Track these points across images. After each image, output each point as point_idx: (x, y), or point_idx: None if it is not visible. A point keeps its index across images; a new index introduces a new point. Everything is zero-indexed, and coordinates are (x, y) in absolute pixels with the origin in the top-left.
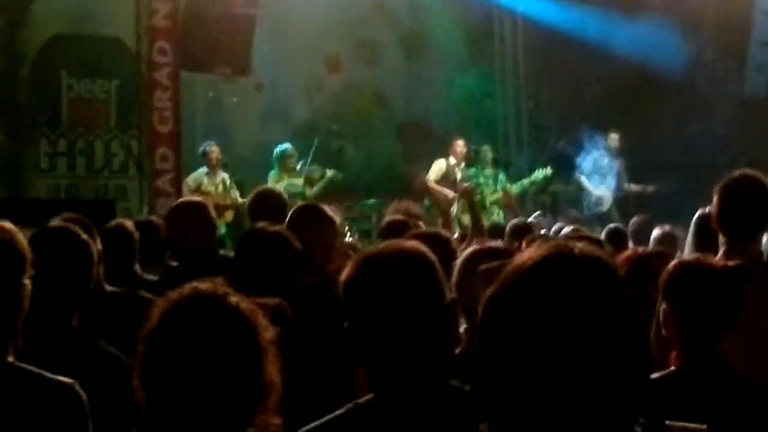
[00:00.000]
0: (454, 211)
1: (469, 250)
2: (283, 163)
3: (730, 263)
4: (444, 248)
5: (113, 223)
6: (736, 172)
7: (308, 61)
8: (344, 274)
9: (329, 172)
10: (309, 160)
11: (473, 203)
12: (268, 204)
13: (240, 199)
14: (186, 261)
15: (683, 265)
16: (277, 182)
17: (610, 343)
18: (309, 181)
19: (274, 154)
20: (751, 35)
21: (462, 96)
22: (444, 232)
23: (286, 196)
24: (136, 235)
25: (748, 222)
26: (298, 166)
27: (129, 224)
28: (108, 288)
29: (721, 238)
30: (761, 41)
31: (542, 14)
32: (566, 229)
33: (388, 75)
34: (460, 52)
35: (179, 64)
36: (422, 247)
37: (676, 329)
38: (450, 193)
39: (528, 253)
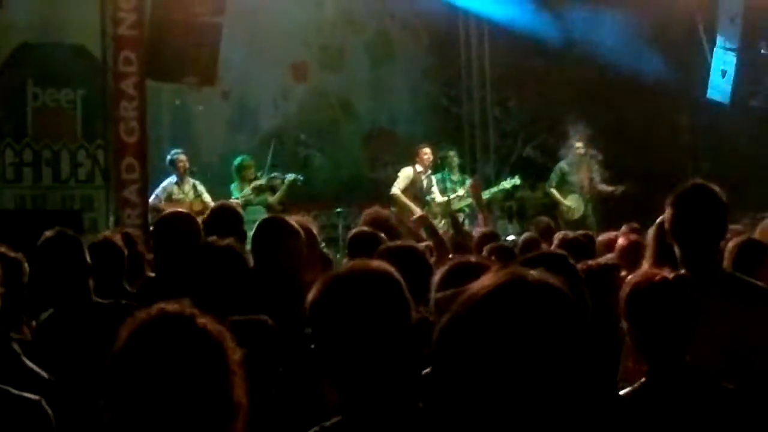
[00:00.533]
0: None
1: (446, 266)
2: (242, 174)
3: (683, 274)
4: (419, 263)
5: (101, 236)
6: (688, 183)
7: (275, 70)
8: (310, 296)
9: (289, 176)
10: (267, 167)
11: (433, 228)
12: (224, 219)
13: (212, 203)
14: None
15: (635, 286)
16: (240, 192)
17: (563, 368)
18: (272, 189)
19: (233, 166)
20: (716, 41)
21: (428, 103)
22: (419, 246)
23: (241, 210)
24: (125, 249)
25: (703, 234)
26: (259, 175)
27: (117, 238)
28: (95, 299)
29: (677, 251)
30: (726, 47)
31: (507, 20)
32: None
33: (354, 82)
34: (425, 58)
35: (145, 73)
36: (388, 268)
37: (641, 345)
38: (417, 210)
39: (482, 281)
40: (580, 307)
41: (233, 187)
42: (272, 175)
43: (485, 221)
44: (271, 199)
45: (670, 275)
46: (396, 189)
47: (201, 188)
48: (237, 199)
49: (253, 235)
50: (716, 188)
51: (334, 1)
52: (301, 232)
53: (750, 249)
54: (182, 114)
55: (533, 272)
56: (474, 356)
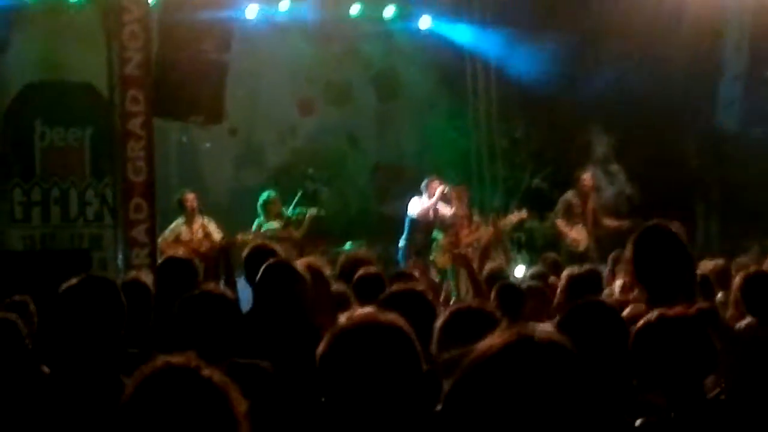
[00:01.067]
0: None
1: (447, 312)
2: (268, 209)
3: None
4: (423, 307)
5: (130, 276)
6: (648, 223)
7: (281, 105)
8: (320, 348)
9: (311, 211)
10: (293, 205)
11: (471, 269)
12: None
13: (221, 240)
14: None
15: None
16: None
17: (571, 426)
18: (294, 224)
19: (259, 202)
20: (723, 70)
21: (435, 135)
22: (422, 290)
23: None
24: (152, 289)
25: (663, 275)
26: (284, 211)
27: (144, 277)
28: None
29: (643, 292)
30: (733, 76)
31: (512, 59)
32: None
33: (361, 116)
34: (432, 91)
35: (152, 112)
36: (399, 320)
37: (657, 379)
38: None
39: (489, 341)
40: (587, 366)
41: (258, 221)
42: (296, 210)
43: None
44: (296, 233)
45: (690, 310)
46: (411, 215)
47: (211, 227)
48: (267, 230)
49: (258, 279)
50: (674, 227)
51: (340, 35)
52: (307, 276)
53: (758, 282)
54: (189, 152)
55: (539, 330)
56: (482, 420)
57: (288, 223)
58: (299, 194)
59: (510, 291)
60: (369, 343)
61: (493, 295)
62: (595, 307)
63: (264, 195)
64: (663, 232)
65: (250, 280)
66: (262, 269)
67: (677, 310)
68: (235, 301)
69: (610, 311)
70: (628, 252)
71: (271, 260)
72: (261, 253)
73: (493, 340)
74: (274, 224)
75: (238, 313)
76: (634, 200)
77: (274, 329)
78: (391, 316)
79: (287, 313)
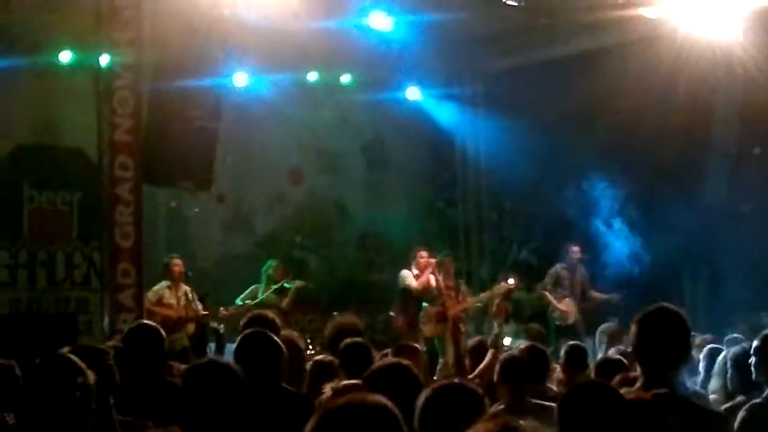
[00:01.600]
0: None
1: (429, 389)
2: (269, 276)
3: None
4: (407, 381)
5: (137, 323)
6: (654, 306)
7: (271, 173)
8: (307, 427)
9: (296, 282)
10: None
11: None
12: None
13: (202, 312)
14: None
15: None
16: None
17: None
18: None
19: (263, 270)
20: (712, 146)
21: (423, 206)
22: (405, 364)
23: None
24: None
25: (664, 355)
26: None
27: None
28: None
29: (639, 368)
30: (722, 152)
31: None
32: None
33: (350, 186)
34: (421, 162)
35: (141, 178)
36: (385, 402)
37: None
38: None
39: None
40: None
41: (258, 286)
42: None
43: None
44: (283, 303)
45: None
46: (412, 284)
47: (192, 296)
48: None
49: (236, 348)
50: (680, 311)
51: (331, 104)
52: (283, 347)
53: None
54: (178, 217)
55: (523, 423)
56: None
57: (277, 292)
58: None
59: (515, 363)
60: (356, 424)
61: (497, 367)
62: (600, 389)
63: (268, 263)
64: (671, 315)
65: None
66: (239, 338)
67: (636, 394)
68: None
69: (614, 393)
70: (633, 329)
71: (249, 330)
72: (257, 322)
73: (478, 429)
74: (270, 294)
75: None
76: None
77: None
78: (378, 398)
79: (263, 381)
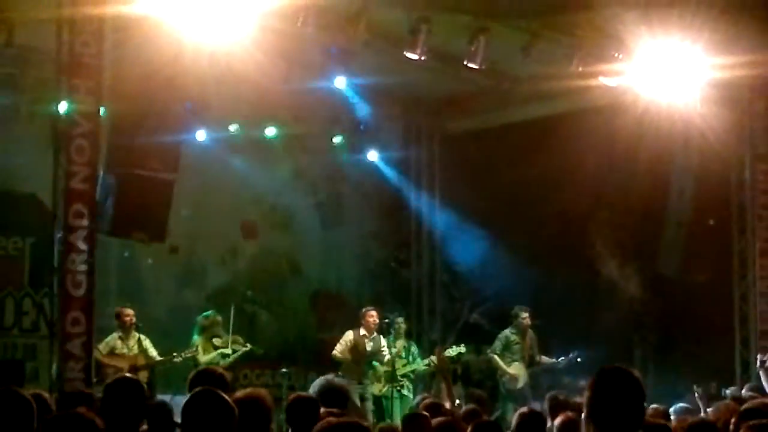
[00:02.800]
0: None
1: None
2: (208, 331)
3: None
4: None
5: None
6: (608, 368)
7: (224, 226)
8: None
9: (246, 347)
10: (230, 329)
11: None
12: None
13: (157, 358)
14: None
15: None
16: (203, 352)
17: None
18: (228, 355)
19: (197, 321)
20: (667, 216)
21: (376, 265)
22: (362, 422)
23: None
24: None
25: (620, 418)
26: (222, 339)
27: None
28: None
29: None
30: (675, 220)
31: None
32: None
33: (303, 242)
34: (376, 220)
35: (96, 227)
36: None
37: None
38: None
39: None
40: None
41: (194, 340)
42: (234, 337)
43: (448, 390)
44: (223, 362)
45: None
46: (336, 352)
47: (146, 343)
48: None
49: (184, 408)
50: (636, 373)
51: (289, 161)
52: (235, 408)
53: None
54: (131, 267)
55: None
56: None
57: (224, 354)
58: (231, 320)
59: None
60: None
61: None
62: None
63: (205, 314)
64: (625, 377)
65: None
66: (189, 397)
67: None
68: None
69: None
70: (587, 392)
71: (198, 389)
72: (206, 377)
73: None
74: (215, 356)
75: None
76: None
77: None
78: None
79: None
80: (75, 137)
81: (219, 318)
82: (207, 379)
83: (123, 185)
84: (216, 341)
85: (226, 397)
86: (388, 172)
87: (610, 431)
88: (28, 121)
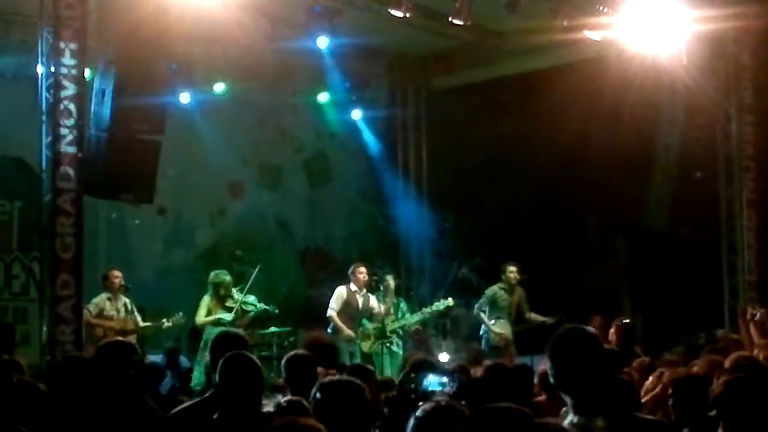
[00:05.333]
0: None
1: (420, 412)
2: (218, 290)
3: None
4: (358, 398)
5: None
6: (563, 329)
7: (212, 187)
8: None
9: (260, 306)
10: (246, 288)
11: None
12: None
13: (142, 323)
14: None
15: None
16: (207, 308)
17: None
18: (241, 313)
19: (210, 279)
20: (654, 169)
21: (364, 222)
22: (358, 382)
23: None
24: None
25: (586, 380)
26: (235, 295)
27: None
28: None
29: (567, 400)
30: (662, 174)
31: (446, 142)
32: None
33: (291, 201)
34: (362, 178)
35: (83, 189)
36: (318, 426)
37: None
38: (351, 335)
39: None
40: None
41: (204, 299)
42: (245, 300)
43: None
44: (239, 322)
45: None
46: (331, 311)
47: (132, 308)
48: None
49: (221, 369)
50: (590, 330)
51: (274, 119)
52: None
53: (689, 385)
54: (119, 228)
55: None
56: None
57: (237, 315)
58: (252, 279)
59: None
60: None
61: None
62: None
63: (218, 275)
64: (580, 336)
65: (214, 364)
66: (223, 359)
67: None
68: None
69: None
70: (548, 361)
71: (233, 352)
72: (229, 340)
73: None
74: (227, 316)
75: None
76: None
77: (232, 418)
78: (310, 422)
79: (243, 404)
80: (61, 100)
81: (227, 278)
82: (230, 341)
83: (110, 147)
84: (228, 302)
85: (255, 358)
86: (375, 129)
87: (580, 394)
88: (14, 84)
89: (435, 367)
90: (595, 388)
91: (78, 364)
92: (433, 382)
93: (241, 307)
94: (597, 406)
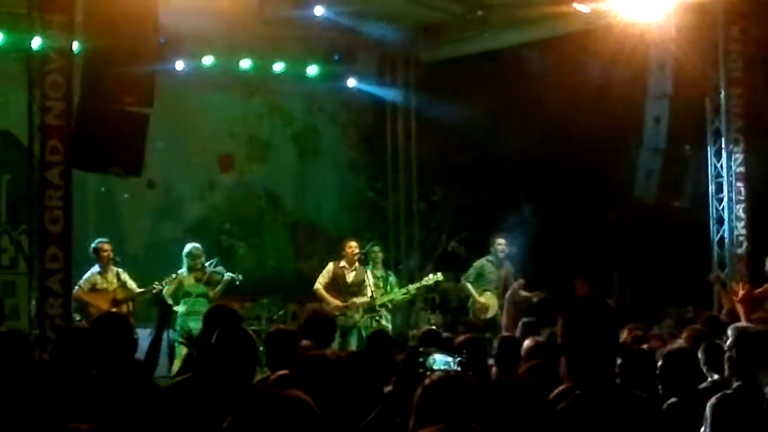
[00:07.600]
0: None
1: (430, 380)
2: (191, 262)
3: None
4: (330, 372)
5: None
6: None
7: (201, 160)
8: (225, 423)
9: (227, 275)
10: (215, 262)
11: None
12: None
13: (138, 290)
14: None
15: None
16: (184, 280)
17: None
18: (212, 283)
19: (184, 252)
20: (643, 142)
21: (354, 195)
22: (330, 355)
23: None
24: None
25: (594, 349)
26: (206, 266)
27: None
28: None
29: (565, 363)
30: (651, 148)
31: (435, 115)
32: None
33: (280, 174)
34: (352, 151)
35: (71, 162)
36: (302, 396)
37: None
38: (338, 304)
39: None
40: None
41: (181, 272)
42: (214, 269)
43: None
44: (212, 293)
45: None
46: (317, 284)
47: (125, 276)
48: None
49: (215, 342)
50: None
51: (263, 92)
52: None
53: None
54: (108, 202)
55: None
56: None
57: (207, 282)
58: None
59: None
60: (272, 419)
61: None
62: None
63: (188, 247)
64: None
65: (207, 337)
66: (218, 332)
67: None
68: None
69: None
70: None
71: (226, 326)
72: (221, 312)
73: None
74: (195, 285)
75: None
76: None
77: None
78: (295, 393)
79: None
80: (49, 72)
81: (197, 251)
82: (223, 315)
83: (98, 120)
84: (197, 274)
85: (250, 331)
86: (364, 101)
87: (584, 361)
88: (1, 57)
89: (442, 340)
90: (598, 356)
91: (80, 335)
92: (438, 360)
93: (210, 275)
94: (597, 375)
